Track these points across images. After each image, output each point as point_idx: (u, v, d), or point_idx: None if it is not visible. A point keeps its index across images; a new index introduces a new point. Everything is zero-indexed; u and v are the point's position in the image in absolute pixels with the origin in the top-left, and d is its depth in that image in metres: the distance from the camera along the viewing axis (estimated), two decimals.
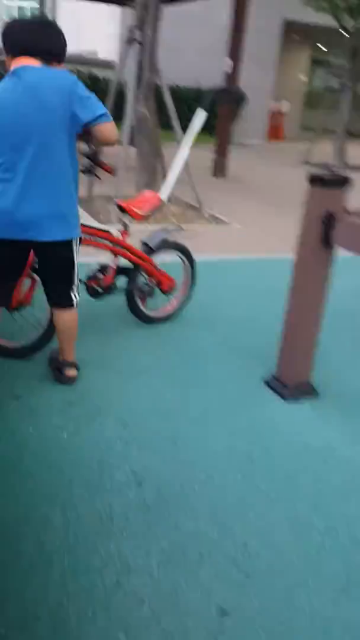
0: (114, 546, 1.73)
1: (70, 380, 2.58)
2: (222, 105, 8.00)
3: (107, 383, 2.63)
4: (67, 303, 2.46)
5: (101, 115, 2.13)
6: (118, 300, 3.53)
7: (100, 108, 2.14)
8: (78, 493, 1.93)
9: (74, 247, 2.35)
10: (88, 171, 2.74)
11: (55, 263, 2.38)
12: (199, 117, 3.29)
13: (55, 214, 2.20)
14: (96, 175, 2.79)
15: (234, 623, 1.53)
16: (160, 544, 1.76)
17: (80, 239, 2.41)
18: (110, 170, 2.83)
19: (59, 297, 2.45)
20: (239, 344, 3.19)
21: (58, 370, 2.60)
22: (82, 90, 2.12)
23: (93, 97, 2.15)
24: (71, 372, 2.59)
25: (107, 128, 2.16)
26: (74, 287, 2.45)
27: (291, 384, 2.64)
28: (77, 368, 2.62)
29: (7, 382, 2.54)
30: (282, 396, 2.64)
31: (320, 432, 2.42)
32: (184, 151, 3.34)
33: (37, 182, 2.12)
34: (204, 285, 4.01)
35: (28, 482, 1.96)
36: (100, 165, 2.76)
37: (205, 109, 3.28)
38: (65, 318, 2.49)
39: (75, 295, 2.47)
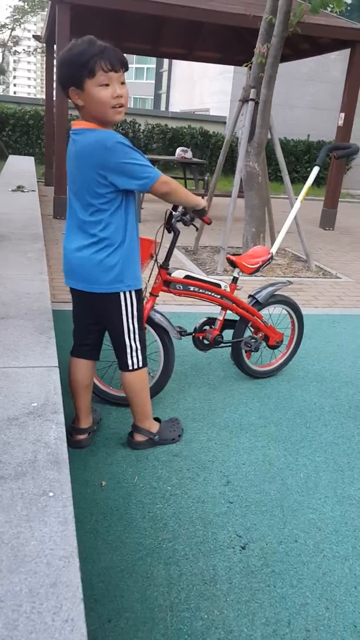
0: (217, 611, 1.69)
1: (135, 445, 2.47)
2: (336, 160, 8.01)
3: (211, 438, 2.62)
4: (123, 366, 2.35)
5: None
6: (222, 352, 3.55)
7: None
8: (181, 550, 1.92)
9: (122, 304, 2.22)
10: (190, 222, 2.73)
11: (102, 318, 2.34)
12: (313, 173, 3.40)
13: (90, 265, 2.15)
14: (195, 226, 2.73)
15: None
16: (265, 614, 1.69)
17: (135, 295, 2.25)
18: (208, 222, 2.81)
19: (117, 357, 2.37)
20: (350, 404, 3.07)
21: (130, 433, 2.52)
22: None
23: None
24: (138, 437, 2.48)
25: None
26: (129, 350, 2.31)
27: None
28: (148, 435, 2.48)
29: (115, 430, 2.61)
30: None
31: None
32: (297, 206, 3.43)
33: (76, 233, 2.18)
34: (312, 340, 3.93)
35: (133, 532, 1.98)
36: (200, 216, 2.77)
37: (319, 165, 3.38)
38: (124, 380, 2.39)
39: (132, 361, 2.33)
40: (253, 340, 3.15)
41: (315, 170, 3.43)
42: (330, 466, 2.47)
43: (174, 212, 2.58)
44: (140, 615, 1.65)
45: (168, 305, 4.32)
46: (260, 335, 3.20)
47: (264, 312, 3.21)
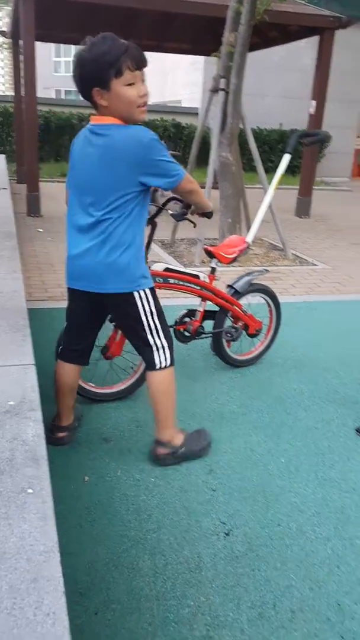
0: (203, 597, 1.71)
1: (158, 459, 2.33)
2: (307, 147, 8.06)
3: (193, 428, 2.63)
4: (149, 365, 2.28)
5: None
6: (202, 343, 3.56)
7: None
8: (166, 539, 1.93)
9: (139, 303, 2.17)
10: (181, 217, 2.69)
11: (120, 320, 2.33)
12: (285, 161, 3.43)
13: (108, 264, 2.09)
14: (191, 221, 2.72)
15: None
16: (250, 598, 1.71)
17: (150, 292, 2.20)
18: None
19: (143, 357, 2.30)
20: (329, 389, 3.11)
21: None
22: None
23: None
24: (161, 449, 2.33)
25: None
26: (155, 349, 2.24)
27: None
28: (172, 449, 2.33)
29: (97, 425, 2.61)
30: None
31: None
32: (270, 195, 3.46)
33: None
34: (290, 327, 3.97)
35: (117, 525, 1.98)
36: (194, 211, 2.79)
37: (290, 153, 3.40)
38: (150, 381, 2.30)
39: (159, 359, 2.25)
40: (234, 330, 3.17)
41: (286, 157, 3.45)
42: (311, 450, 2.51)
43: (170, 211, 2.57)
44: (127, 606, 1.66)
45: None
46: (240, 324, 3.22)
47: (243, 301, 3.23)
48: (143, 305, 2.18)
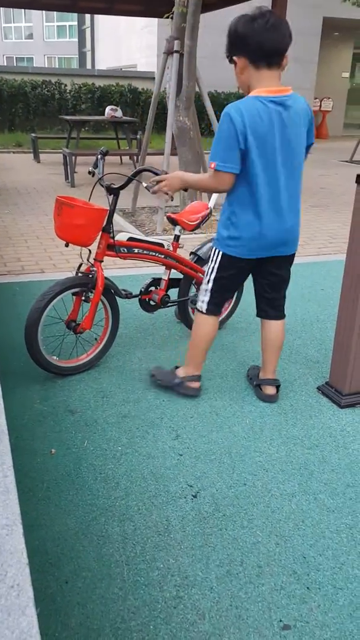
0: (172, 559, 1.74)
1: (274, 398, 2.63)
2: None
3: (159, 396, 2.65)
4: (282, 314, 2.57)
5: None
6: (165, 312, 3.56)
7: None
8: (134, 505, 1.95)
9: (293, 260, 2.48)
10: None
11: (277, 276, 2.48)
12: None
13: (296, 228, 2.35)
14: (166, 193, 2.51)
15: (296, 638, 1.51)
16: (218, 557, 1.75)
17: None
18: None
19: (275, 305, 2.54)
20: (291, 350, 3.15)
21: (259, 387, 2.68)
22: None
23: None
24: (272, 390, 2.64)
25: None
26: (285, 299, 2.57)
27: (346, 391, 2.58)
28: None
29: (62, 397, 2.60)
30: (337, 404, 2.59)
31: None
32: None
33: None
34: (253, 292, 3.99)
35: (85, 495, 1.99)
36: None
37: None
38: (281, 327, 2.57)
39: (284, 307, 2.59)
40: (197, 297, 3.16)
41: None
42: (275, 410, 2.55)
43: (145, 184, 2.52)
44: (97, 572, 1.68)
45: (109, 270, 4.28)
46: None
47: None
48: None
